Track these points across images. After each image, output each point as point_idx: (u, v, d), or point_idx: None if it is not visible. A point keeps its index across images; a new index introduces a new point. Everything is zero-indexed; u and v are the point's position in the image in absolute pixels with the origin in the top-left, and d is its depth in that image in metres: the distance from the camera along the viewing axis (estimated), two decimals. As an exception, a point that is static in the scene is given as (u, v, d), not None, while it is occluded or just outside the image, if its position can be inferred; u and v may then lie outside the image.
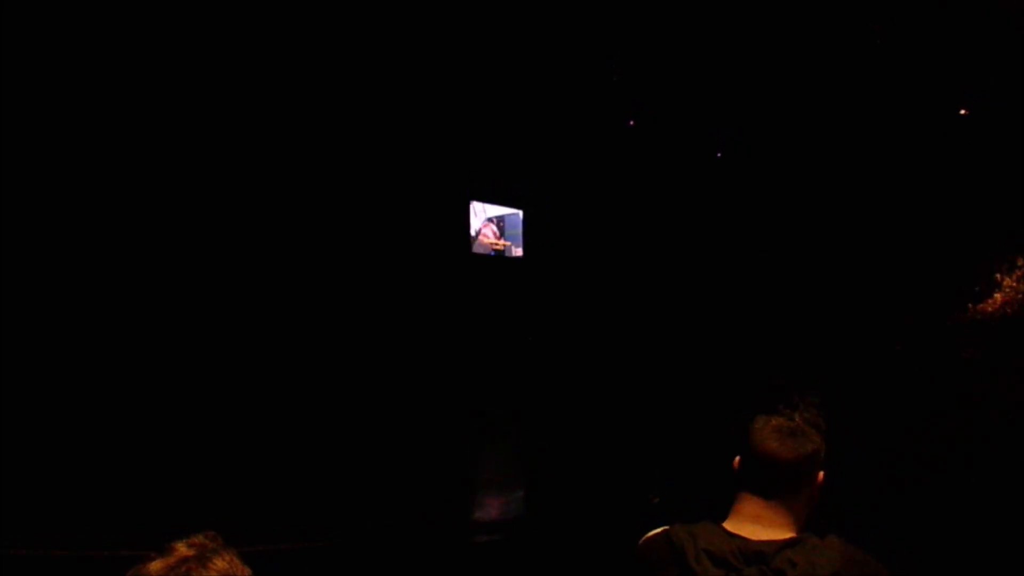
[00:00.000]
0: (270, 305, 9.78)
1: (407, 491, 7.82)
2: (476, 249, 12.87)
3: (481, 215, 12.94)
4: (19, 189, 7.94)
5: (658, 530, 1.94)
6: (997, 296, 10.96)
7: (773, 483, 1.86)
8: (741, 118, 11.26)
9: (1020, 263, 10.92)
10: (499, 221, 13.16)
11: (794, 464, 1.86)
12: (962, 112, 10.39)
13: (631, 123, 11.87)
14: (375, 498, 7.48)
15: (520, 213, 13.15)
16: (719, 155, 12.12)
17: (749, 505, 1.88)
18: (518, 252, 13.25)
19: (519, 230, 13.26)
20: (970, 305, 10.93)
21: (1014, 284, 10.89)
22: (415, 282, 11.09)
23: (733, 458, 1.95)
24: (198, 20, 8.69)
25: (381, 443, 8.94)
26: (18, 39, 7.67)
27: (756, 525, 1.84)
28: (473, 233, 12.80)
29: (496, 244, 13.07)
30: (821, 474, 1.90)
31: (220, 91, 9.18)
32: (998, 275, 11.03)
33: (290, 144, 9.90)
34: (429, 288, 11.26)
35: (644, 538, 1.97)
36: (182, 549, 1.46)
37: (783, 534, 1.82)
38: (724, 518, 1.91)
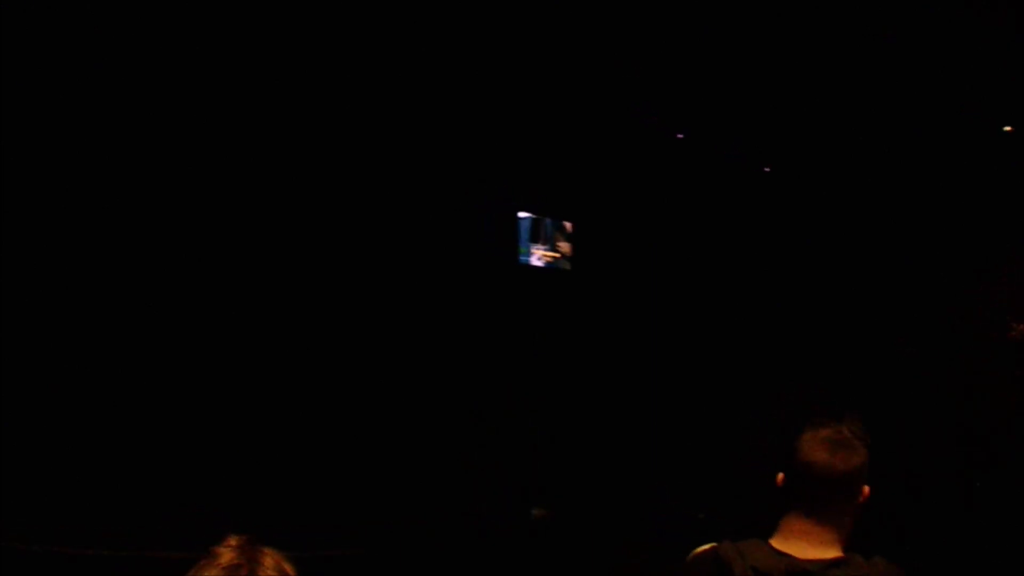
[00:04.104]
0: (304, 301, 9.72)
1: (436, 490, 7.81)
2: (529, 259, 12.42)
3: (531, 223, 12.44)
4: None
5: (706, 547, 1.99)
6: None
7: (823, 497, 1.90)
8: (781, 127, 11.15)
9: None
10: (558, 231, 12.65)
11: (846, 477, 1.89)
12: (1007, 129, 10.22)
13: (679, 136, 11.86)
14: (404, 498, 7.47)
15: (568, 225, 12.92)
16: (767, 170, 12.06)
17: (797, 522, 1.93)
18: (566, 264, 12.87)
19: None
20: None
21: None
22: (453, 290, 10.95)
23: (776, 474, 1.99)
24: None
25: (407, 442, 8.85)
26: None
27: (803, 542, 1.89)
28: (533, 244, 12.33)
29: (550, 255, 12.59)
30: (866, 489, 1.92)
31: (257, 93, 9.10)
32: None
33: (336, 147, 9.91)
34: (467, 297, 11.13)
35: (692, 554, 2.03)
36: (227, 554, 1.45)
37: (830, 552, 1.87)
38: (771, 535, 1.95)
